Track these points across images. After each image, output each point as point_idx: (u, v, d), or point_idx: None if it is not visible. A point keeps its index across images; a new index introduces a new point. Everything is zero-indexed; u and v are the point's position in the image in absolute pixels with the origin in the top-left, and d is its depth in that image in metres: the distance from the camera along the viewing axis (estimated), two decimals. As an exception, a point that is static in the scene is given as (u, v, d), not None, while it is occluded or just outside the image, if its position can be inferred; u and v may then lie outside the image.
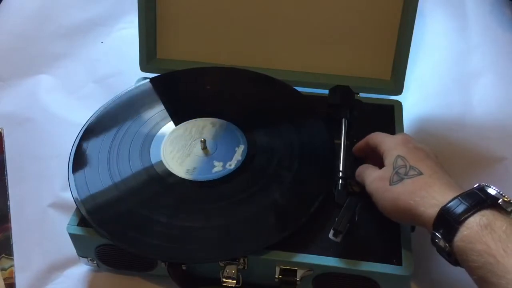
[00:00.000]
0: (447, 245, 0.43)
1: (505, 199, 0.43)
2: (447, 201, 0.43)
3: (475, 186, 0.45)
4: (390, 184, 0.48)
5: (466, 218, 0.42)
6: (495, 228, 0.40)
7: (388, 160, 0.50)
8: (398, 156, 0.50)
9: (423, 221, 0.45)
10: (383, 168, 0.51)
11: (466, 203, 0.42)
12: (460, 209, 0.42)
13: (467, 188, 0.45)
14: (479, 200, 0.43)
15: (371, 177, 0.51)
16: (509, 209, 0.42)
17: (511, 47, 0.83)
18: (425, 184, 0.47)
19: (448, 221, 0.43)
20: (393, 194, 0.48)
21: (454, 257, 0.43)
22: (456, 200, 0.43)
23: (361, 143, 0.57)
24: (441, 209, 0.43)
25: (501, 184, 0.64)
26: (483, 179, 0.64)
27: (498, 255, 0.39)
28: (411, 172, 0.48)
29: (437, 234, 0.43)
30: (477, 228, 0.41)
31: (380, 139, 0.54)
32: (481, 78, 0.79)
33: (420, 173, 0.48)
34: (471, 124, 0.72)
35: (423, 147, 0.51)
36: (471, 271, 0.41)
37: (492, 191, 0.43)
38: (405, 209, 0.47)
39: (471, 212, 0.42)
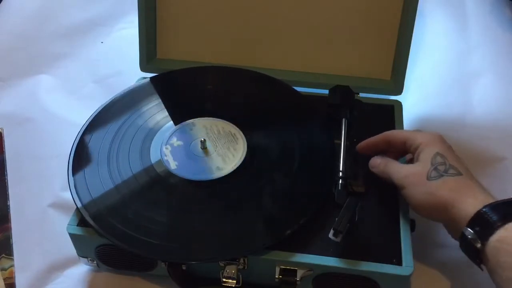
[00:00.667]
0: (479, 243, 0.44)
1: None
2: (488, 202, 0.45)
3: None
4: (428, 179, 0.49)
5: (505, 222, 0.43)
6: None
7: (425, 155, 0.51)
8: (437, 153, 0.50)
9: (457, 217, 0.46)
10: (417, 163, 0.51)
11: (507, 208, 0.44)
12: (500, 212, 0.44)
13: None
14: None
15: (404, 171, 0.52)
16: None
17: (511, 47, 0.83)
18: (465, 184, 0.48)
19: (486, 221, 0.44)
20: (430, 189, 0.49)
21: (480, 256, 0.44)
22: (497, 204, 0.45)
23: (374, 139, 0.57)
24: (481, 208, 0.45)
25: (501, 184, 0.65)
26: (483, 179, 0.64)
27: None
28: (451, 171, 0.49)
29: (471, 231, 0.45)
30: None
31: (409, 134, 0.54)
32: (481, 78, 0.79)
33: (460, 173, 0.49)
34: (471, 124, 0.72)
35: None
36: (502, 270, 0.42)
37: None
38: (441, 204, 0.48)
39: (511, 218, 0.43)
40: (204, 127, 0.62)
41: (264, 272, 0.51)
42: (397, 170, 0.52)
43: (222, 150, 0.59)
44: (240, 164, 0.57)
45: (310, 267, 0.50)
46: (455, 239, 0.48)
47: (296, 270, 0.50)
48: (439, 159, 0.50)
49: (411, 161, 0.54)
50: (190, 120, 0.63)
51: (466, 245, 0.46)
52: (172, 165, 0.57)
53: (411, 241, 0.51)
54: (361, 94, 0.67)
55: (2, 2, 0.94)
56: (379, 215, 0.54)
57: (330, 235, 0.48)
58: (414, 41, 0.65)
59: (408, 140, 0.53)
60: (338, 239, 0.48)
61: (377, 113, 0.66)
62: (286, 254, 0.50)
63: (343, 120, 0.61)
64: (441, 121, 0.73)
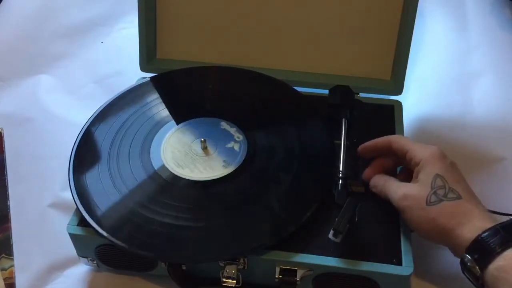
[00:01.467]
0: (478, 270, 0.44)
1: None
2: (486, 228, 0.45)
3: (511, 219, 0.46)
4: (427, 204, 0.48)
5: (504, 249, 0.43)
6: None
7: (425, 177, 0.50)
8: (437, 175, 0.49)
9: (457, 243, 0.46)
10: (417, 184, 0.50)
11: (505, 234, 0.44)
12: (498, 239, 0.44)
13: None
14: None
15: (401, 192, 0.50)
16: None
17: (511, 47, 0.83)
18: (464, 208, 0.47)
19: (484, 248, 0.44)
20: (430, 215, 0.48)
21: (481, 281, 0.44)
22: (495, 229, 0.44)
23: (376, 142, 0.56)
24: (479, 235, 0.44)
25: (501, 184, 0.65)
26: (483, 179, 0.65)
27: None
28: (450, 195, 0.48)
29: (470, 258, 0.45)
30: None
31: (411, 146, 0.53)
32: (481, 78, 0.79)
33: (459, 197, 0.48)
34: (471, 124, 0.72)
35: (454, 161, 0.51)
36: None
37: None
38: (440, 231, 0.47)
39: (510, 244, 0.43)
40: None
41: (264, 272, 0.51)
42: (395, 190, 0.51)
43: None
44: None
45: (310, 267, 0.50)
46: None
47: (296, 270, 0.50)
48: (439, 181, 0.49)
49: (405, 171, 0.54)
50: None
51: (466, 271, 0.46)
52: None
53: (411, 241, 0.51)
54: (361, 94, 0.67)
55: (2, 2, 0.94)
56: (379, 215, 0.53)
57: (330, 235, 0.48)
58: (414, 41, 0.65)
59: (409, 153, 0.52)
60: (338, 240, 0.48)
61: (377, 113, 0.66)
62: (286, 254, 0.50)
63: (343, 120, 0.61)
64: (441, 121, 0.73)
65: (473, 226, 0.46)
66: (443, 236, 0.48)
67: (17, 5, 0.94)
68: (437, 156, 0.51)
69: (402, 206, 0.50)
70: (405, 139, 0.55)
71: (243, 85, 0.69)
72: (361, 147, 0.57)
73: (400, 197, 0.50)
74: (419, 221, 0.49)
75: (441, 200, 0.48)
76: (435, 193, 0.48)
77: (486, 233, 0.44)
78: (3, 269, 0.59)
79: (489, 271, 0.43)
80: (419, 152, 0.51)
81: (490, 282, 0.43)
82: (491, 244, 0.43)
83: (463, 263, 0.46)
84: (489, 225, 0.45)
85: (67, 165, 0.58)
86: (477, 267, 0.44)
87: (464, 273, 0.46)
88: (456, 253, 0.48)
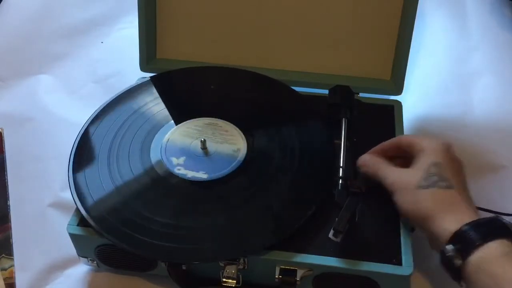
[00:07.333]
0: (460, 259, 0.44)
1: None
2: (469, 220, 0.45)
3: (492, 215, 0.47)
4: (417, 188, 0.48)
5: (486, 241, 0.43)
6: None
7: (422, 163, 0.50)
8: (434, 162, 0.49)
9: (437, 231, 0.46)
10: (411, 169, 0.50)
11: (488, 227, 0.44)
12: (481, 231, 0.44)
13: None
14: (499, 228, 0.44)
15: (395, 175, 0.51)
16: None
17: (511, 47, 0.83)
18: (452, 198, 0.47)
19: (467, 239, 0.44)
20: (417, 198, 0.48)
21: (459, 273, 0.44)
22: (477, 223, 0.44)
23: (387, 144, 0.56)
24: (463, 226, 0.44)
25: (501, 184, 0.65)
26: (483, 179, 0.64)
27: None
28: (442, 183, 0.48)
29: (452, 247, 0.44)
30: (496, 253, 0.42)
31: (416, 138, 0.53)
32: (481, 78, 0.79)
33: (450, 187, 0.48)
34: (471, 124, 0.72)
35: (460, 160, 0.51)
36: None
37: (508, 223, 0.45)
38: (424, 216, 0.47)
39: (492, 237, 0.43)
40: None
41: (264, 272, 0.51)
42: (389, 173, 0.52)
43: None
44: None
45: (310, 267, 0.50)
46: (438, 252, 0.48)
47: (296, 270, 0.50)
48: (433, 169, 0.49)
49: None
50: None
51: (447, 262, 0.45)
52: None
53: (411, 241, 0.51)
54: (361, 94, 0.67)
55: (2, 2, 0.94)
56: (379, 215, 0.54)
57: (330, 235, 0.48)
58: (414, 41, 0.65)
59: (414, 143, 0.53)
60: (338, 239, 0.48)
61: (377, 113, 0.66)
62: (286, 254, 0.50)
63: (343, 120, 0.61)
64: (441, 121, 0.73)
65: (455, 218, 0.45)
66: (425, 222, 0.47)
67: (17, 5, 0.94)
68: (442, 148, 0.51)
69: (393, 188, 0.50)
70: (412, 135, 0.55)
71: (242, 86, 0.69)
72: (375, 149, 0.56)
73: (393, 180, 0.51)
74: (405, 205, 0.49)
75: (431, 186, 0.48)
76: (427, 178, 0.49)
77: (467, 226, 0.44)
78: (3, 269, 0.59)
79: (471, 261, 0.43)
80: (426, 142, 0.52)
81: (471, 273, 0.43)
82: (474, 236, 0.43)
83: (443, 254, 0.45)
84: (472, 218, 0.45)
85: (67, 165, 0.58)
86: (460, 257, 0.44)
87: (442, 265, 0.46)
88: (434, 244, 0.48)
